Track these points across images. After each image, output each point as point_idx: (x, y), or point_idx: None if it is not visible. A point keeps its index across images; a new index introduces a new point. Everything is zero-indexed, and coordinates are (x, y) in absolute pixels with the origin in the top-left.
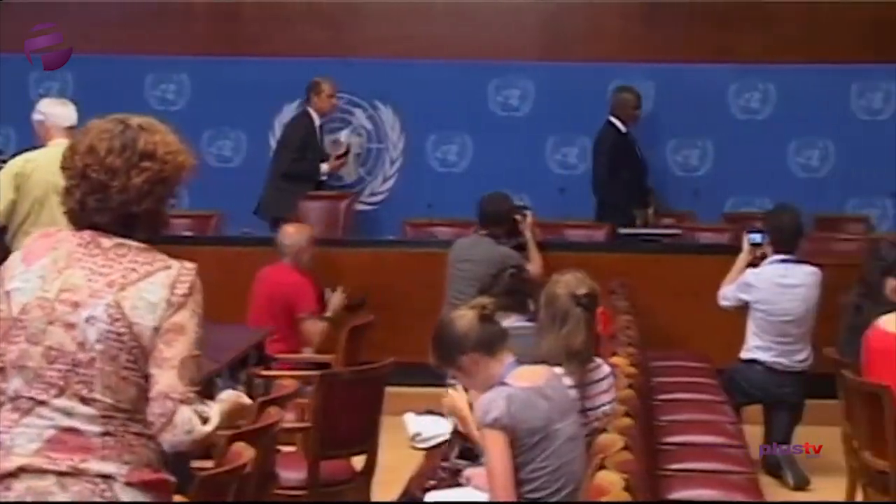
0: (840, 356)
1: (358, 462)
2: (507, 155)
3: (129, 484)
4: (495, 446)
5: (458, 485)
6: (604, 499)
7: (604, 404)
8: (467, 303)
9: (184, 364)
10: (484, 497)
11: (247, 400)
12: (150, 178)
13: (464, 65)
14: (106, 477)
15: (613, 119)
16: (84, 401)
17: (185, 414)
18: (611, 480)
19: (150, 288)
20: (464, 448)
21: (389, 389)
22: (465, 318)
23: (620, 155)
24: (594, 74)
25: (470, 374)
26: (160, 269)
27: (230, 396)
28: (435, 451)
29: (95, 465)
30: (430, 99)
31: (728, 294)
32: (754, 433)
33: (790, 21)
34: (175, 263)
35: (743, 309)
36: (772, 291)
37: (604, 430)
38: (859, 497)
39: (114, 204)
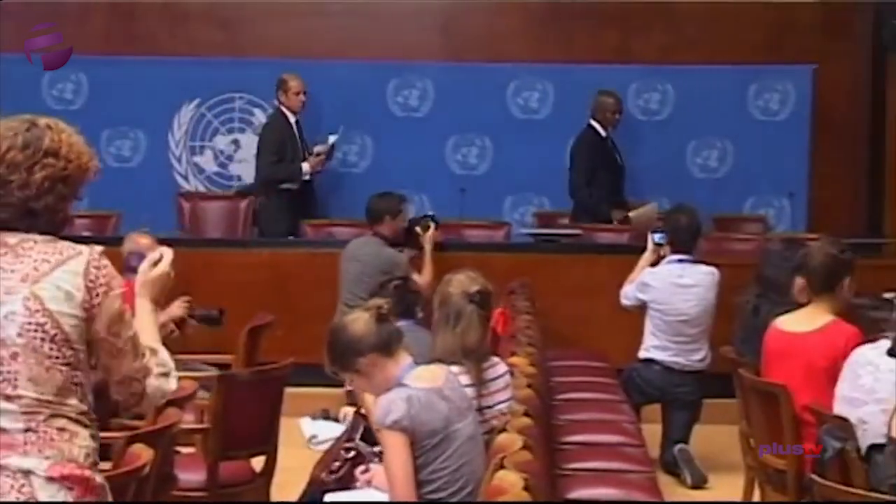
0: (737, 355)
1: (257, 463)
2: (407, 155)
3: (49, 479)
4: (395, 448)
5: (359, 465)
6: (503, 498)
7: (501, 402)
8: (357, 304)
9: (134, 344)
10: (384, 497)
11: (159, 263)
12: (51, 174)
13: (363, 65)
14: (26, 472)
15: (594, 122)
16: (8, 398)
17: (153, 385)
18: (510, 480)
19: (65, 276)
20: (367, 429)
21: (289, 390)
22: (360, 320)
23: (600, 158)
24: (494, 75)
25: (368, 377)
26: (71, 256)
27: (147, 278)
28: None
29: (16, 461)
30: (330, 99)
31: (628, 293)
32: (654, 432)
33: (689, 22)
34: (84, 249)
35: (642, 308)
36: (667, 291)
37: (503, 430)
38: (756, 495)
39: (14, 199)
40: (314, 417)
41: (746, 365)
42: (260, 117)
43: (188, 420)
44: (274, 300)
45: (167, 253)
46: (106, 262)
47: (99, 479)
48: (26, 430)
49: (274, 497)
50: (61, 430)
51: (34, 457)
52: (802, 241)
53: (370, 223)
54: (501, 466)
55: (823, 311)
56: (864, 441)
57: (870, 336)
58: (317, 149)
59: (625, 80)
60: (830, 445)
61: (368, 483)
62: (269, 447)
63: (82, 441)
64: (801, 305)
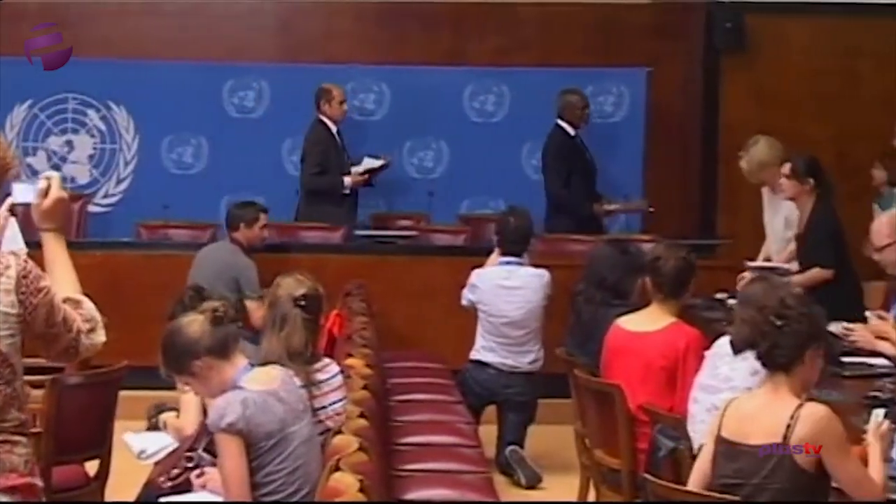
0: (570, 356)
1: (91, 467)
2: (243, 156)
3: None
4: (230, 450)
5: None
6: (338, 500)
7: (334, 403)
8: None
9: (65, 319)
10: (219, 499)
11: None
12: None
13: (198, 66)
14: None
15: (562, 123)
16: None
17: (84, 344)
18: (346, 482)
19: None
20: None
21: (123, 393)
22: (195, 322)
23: (571, 158)
24: (329, 76)
25: (204, 380)
26: (1, 272)
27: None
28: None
29: None
30: (165, 100)
31: (464, 293)
32: (493, 432)
33: (523, 24)
34: (12, 261)
35: (475, 308)
36: (492, 293)
37: (339, 432)
38: (591, 495)
39: None
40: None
41: (581, 365)
42: (94, 118)
43: None
44: (108, 302)
45: (54, 176)
46: (31, 265)
47: (38, 482)
48: None
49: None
50: (2, 442)
51: None
52: (634, 242)
53: (228, 230)
54: (337, 468)
55: (666, 313)
56: (698, 439)
57: (707, 336)
58: (361, 167)
59: (460, 81)
60: (664, 444)
61: (203, 487)
62: (102, 451)
63: (21, 450)
64: (636, 307)
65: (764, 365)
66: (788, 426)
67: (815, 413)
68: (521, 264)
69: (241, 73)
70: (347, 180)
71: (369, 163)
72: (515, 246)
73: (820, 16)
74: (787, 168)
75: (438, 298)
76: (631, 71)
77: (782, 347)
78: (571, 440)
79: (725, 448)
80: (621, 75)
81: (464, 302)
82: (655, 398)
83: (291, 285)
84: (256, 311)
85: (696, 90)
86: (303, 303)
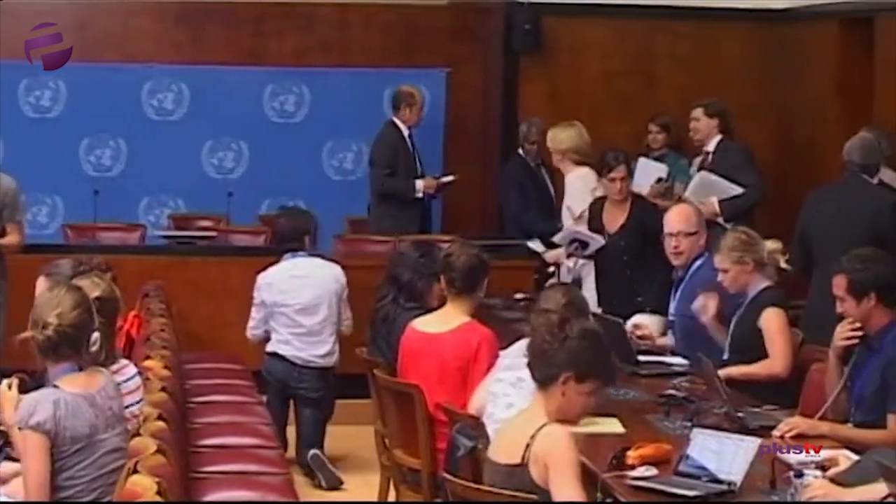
0: (371, 356)
1: None
2: (39, 156)
3: None
4: (34, 449)
5: None
6: (136, 502)
7: (130, 405)
8: None
9: None
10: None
11: None
12: None
13: None
14: None
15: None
16: None
17: None
18: (143, 485)
19: None
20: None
21: None
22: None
23: (528, 182)
24: (128, 76)
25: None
26: None
27: None
28: None
29: None
30: None
31: (252, 314)
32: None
33: (322, 25)
34: None
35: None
36: (284, 284)
37: (137, 434)
38: (392, 495)
39: None
40: None
41: (381, 365)
42: None
43: None
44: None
45: None
46: None
47: None
48: None
49: None
50: None
51: None
52: (434, 244)
53: None
54: (135, 470)
55: (460, 312)
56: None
57: (504, 336)
58: (441, 180)
59: (260, 81)
60: (462, 444)
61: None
62: None
63: None
64: (433, 308)
65: (531, 374)
66: (528, 445)
67: (551, 433)
68: (308, 255)
69: (37, 72)
70: (420, 184)
71: (442, 180)
72: (290, 244)
73: (616, 18)
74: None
75: (238, 299)
76: (430, 72)
77: (539, 364)
78: (372, 440)
79: (488, 464)
80: (421, 76)
81: (252, 327)
82: (453, 398)
83: (87, 287)
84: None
85: (494, 91)
86: (97, 305)
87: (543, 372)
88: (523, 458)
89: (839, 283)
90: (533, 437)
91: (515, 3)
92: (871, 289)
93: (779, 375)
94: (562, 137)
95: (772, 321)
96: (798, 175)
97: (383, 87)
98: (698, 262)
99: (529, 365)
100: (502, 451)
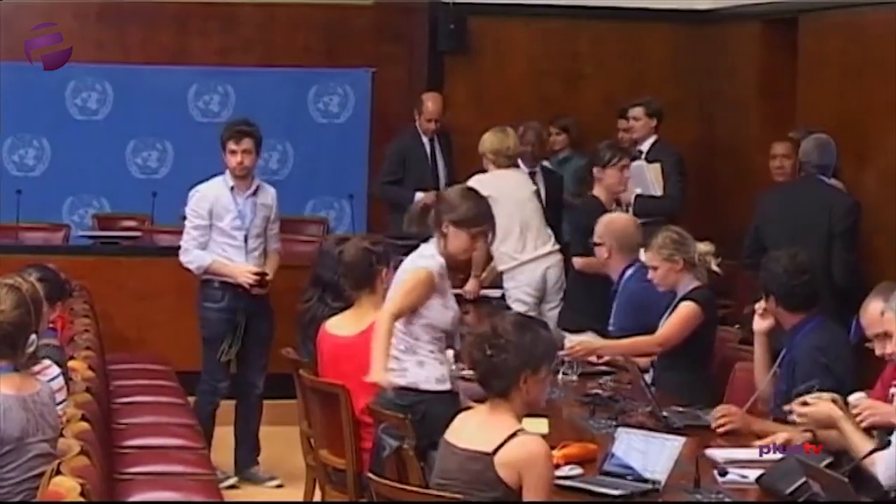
0: (298, 357)
1: None
2: None
3: None
4: None
5: None
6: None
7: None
8: None
9: None
10: None
11: None
12: None
13: None
14: None
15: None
16: None
17: None
18: (67, 486)
19: None
20: None
21: None
22: None
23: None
24: (51, 75)
25: None
26: None
27: None
28: None
29: None
30: None
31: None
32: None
33: (246, 24)
34: None
35: None
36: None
37: (60, 435)
38: (317, 495)
39: None
40: None
41: (306, 366)
42: None
43: None
44: None
45: None
46: None
47: None
48: None
49: None
50: None
51: None
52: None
53: None
54: (58, 472)
55: (367, 310)
56: None
57: None
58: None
59: (184, 81)
60: (388, 444)
61: None
62: None
63: None
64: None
65: (484, 388)
66: (501, 445)
67: (531, 449)
68: None
69: None
70: (420, 195)
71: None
72: None
73: (542, 19)
74: None
75: (163, 300)
76: (355, 72)
77: (495, 377)
78: (297, 441)
79: (444, 448)
80: (345, 76)
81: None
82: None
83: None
84: None
85: (419, 91)
86: None
87: (502, 384)
88: (494, 451)
89: None
90: (508, 439)
91: (440, 3)
92: (769, 292)
93: (654, 346)
94: (483, 139)
95: (680, 310)
96: (722, 174)
97: (308, 87)
98: (629, 272)
99: (481, 383)
100: (466, 437)
